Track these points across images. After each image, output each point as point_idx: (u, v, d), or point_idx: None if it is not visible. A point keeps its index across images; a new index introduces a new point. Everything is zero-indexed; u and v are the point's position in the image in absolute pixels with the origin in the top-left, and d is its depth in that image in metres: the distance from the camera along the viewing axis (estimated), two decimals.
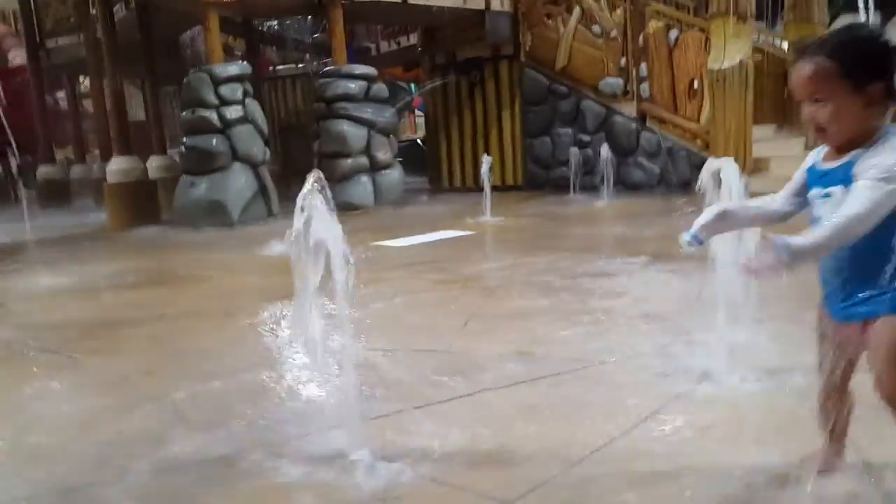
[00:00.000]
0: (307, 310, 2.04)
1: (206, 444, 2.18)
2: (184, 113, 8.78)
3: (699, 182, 2.39)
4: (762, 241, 1.27)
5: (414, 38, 12.68)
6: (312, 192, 1.89)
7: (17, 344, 3.63)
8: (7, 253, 7.38)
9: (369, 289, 4.23)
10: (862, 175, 1.33)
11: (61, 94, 15.57)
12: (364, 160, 9.52)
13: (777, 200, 1.57)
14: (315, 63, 14.17)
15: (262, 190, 8.74)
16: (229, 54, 11.90)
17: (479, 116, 11.31)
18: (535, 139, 10.64)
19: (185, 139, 8.76)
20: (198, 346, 3.44)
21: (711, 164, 2.39)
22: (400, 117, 14.60)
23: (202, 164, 8.47)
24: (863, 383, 1.51)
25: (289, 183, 8.75)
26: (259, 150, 8.78)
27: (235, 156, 8.52)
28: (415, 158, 13.70)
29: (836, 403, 1.56)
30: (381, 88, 9.94)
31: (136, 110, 13.22)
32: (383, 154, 9.73)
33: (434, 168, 12.14)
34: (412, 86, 17.07)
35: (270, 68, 15.06)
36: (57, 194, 13.20)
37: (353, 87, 9.52)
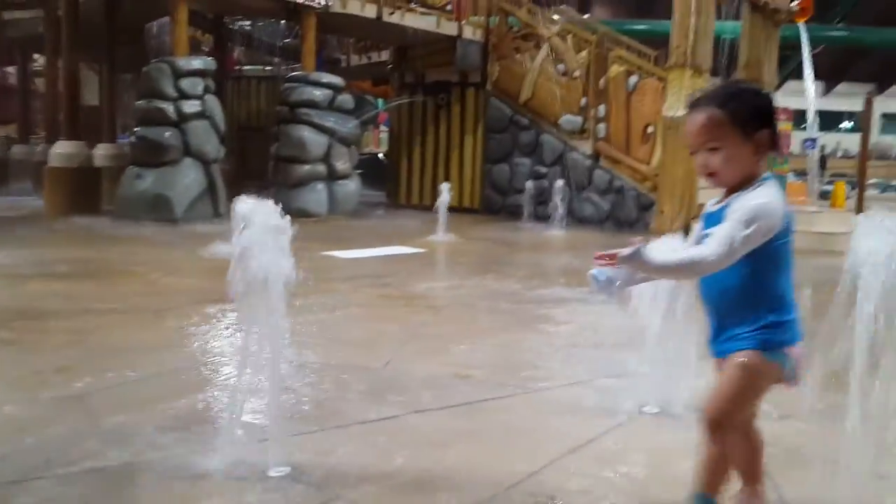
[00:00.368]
0: (240, 317, 1.95)
1: (103, 450, 2.03)
2: (139, 102, 8.51)
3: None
4: (637, 239, 1.42)
5: (385, 55, 12.72)
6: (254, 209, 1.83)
7: None
8: None
9: (311, 299, 4.10)
10: (729, 217, 1.42)
11: (11, 70, 14.95)
12: (322, 168, 9.41)
13: (686, 249, 1.56)
14: (283, 67, 14.00)
15: (211, 188, 8.50)
16: (196, 49, 11.64)
17: (443, 138, 11.37)
18: (494, 165, 10.78)
19: (136, 129, 8.48)
20: (120, 344, 3.26)
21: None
22: (364, 130, 14.50)
23: (151, 155, 8.21)
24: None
25: (241, 183, 8.55)
26: (213, 148, 8.56)
27: (188, 151, 8.28)
28: (375, 172, 13.67)
29: (742, 442, 1.57)
30: (346, 99, 9.88)
31: (91, 95, 12.72)
32: (342, 164, 9.64)
33: (393, 183, 12.11)
34: (380, 101, 17.04)
35: (237, 67, 14.81)
36: None
37: (319, 94, 9.45)
